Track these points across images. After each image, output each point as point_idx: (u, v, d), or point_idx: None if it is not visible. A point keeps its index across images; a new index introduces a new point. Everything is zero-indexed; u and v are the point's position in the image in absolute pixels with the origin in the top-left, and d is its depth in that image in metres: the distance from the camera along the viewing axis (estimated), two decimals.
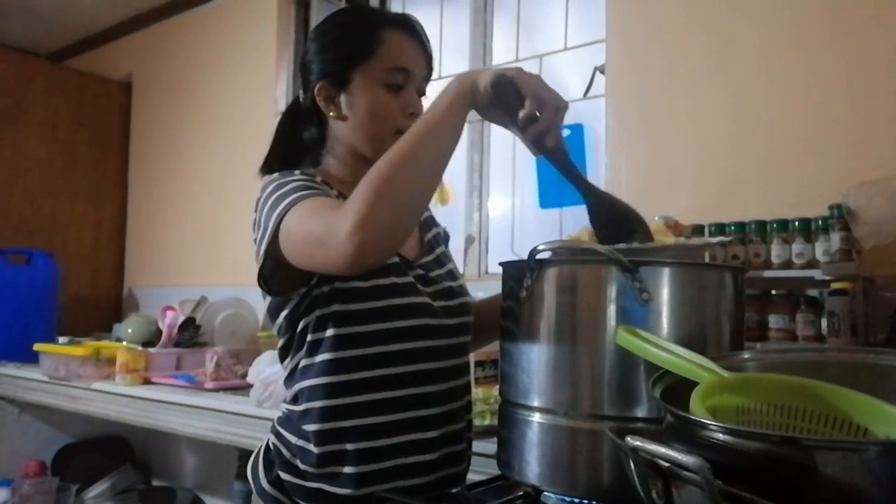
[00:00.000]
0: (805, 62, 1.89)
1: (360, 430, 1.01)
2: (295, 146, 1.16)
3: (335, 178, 1.09)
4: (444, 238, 1.24)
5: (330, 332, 1.02)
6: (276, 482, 1.04)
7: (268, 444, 1.10)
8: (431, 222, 1.22)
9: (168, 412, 2.20)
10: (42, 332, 2.92)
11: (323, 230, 0.87)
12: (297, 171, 1.06)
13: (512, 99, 0.89)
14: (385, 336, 1.03)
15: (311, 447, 1.01)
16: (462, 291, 1.15)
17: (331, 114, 1.09)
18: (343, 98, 1.07)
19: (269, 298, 1.06)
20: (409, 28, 1.09)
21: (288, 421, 1.07)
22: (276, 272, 1.00)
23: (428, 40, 1.12)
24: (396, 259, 1.06)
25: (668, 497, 0.59)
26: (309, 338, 1.03)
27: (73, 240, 3.67)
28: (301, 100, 1.14)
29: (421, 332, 1.05)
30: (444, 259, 1.18)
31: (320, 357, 1.03)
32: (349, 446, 1.01)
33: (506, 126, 0.95)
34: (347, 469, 1.00)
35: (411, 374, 1.05)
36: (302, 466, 1.02)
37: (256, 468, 1.09)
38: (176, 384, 2.31)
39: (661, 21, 2.16)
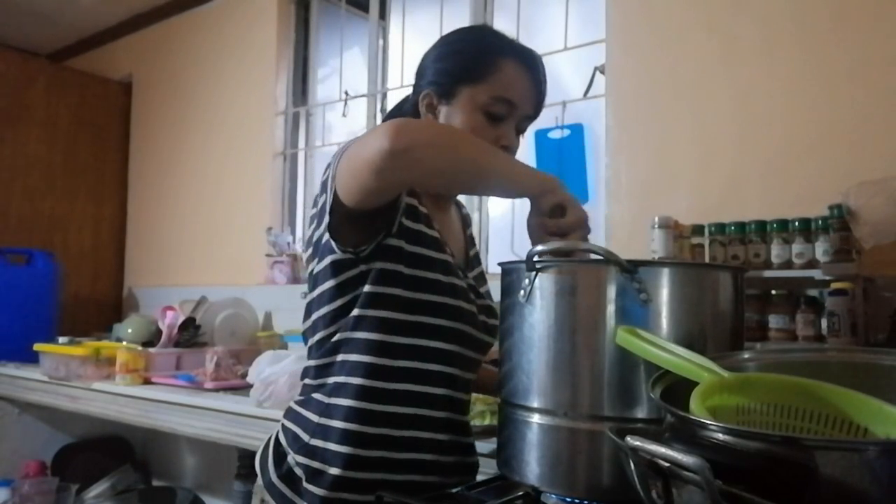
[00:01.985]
0: (805, 62, 1.89)
1: (389, 417, 1.02)
2: None
3: None
4: (478, 259, 1.27)
5: (383, 314, 1.02)
6: (287, 476, 1.03)
7: (277, 436, 1.09)
8: (473, 242, 1.25)
9: (168, 412, 2.20)
10: (42, 332, 2.92)
11: (367, 137, 0.90)
12: None
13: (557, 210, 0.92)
14: (435, 331, 1.04)
15: (336, 423, 1.01)
16: (497, 314, 1.16)
17: None
18: (444, 109, 1.08)
19: (329, 257, 1.02)
20: (530, 64, 1.09)
21: (308, 402, 1.06)
22: (341, 227, 0.99)
23: (545, 82, 1.11)
24: (455, 261, 1.08)
25: (668, 497, 0.59)
26: (355, 312, 1.02)
27: (73, 240, 3.67)
28: (409, 100, 1.16)
29: (463, 338, 1.08)
30: (484, 278, 1.21)
31: (366, 335, 1.02)
32: (374, 430, 1.01)
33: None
34: (365, 452, 1.00)
35: (447, 376, 1.06)
36: (321, 444, 1.01)
37: (266, 460, 1.08)
38: (176, 384, 2.31)
39: (662, 21, 2.16)
